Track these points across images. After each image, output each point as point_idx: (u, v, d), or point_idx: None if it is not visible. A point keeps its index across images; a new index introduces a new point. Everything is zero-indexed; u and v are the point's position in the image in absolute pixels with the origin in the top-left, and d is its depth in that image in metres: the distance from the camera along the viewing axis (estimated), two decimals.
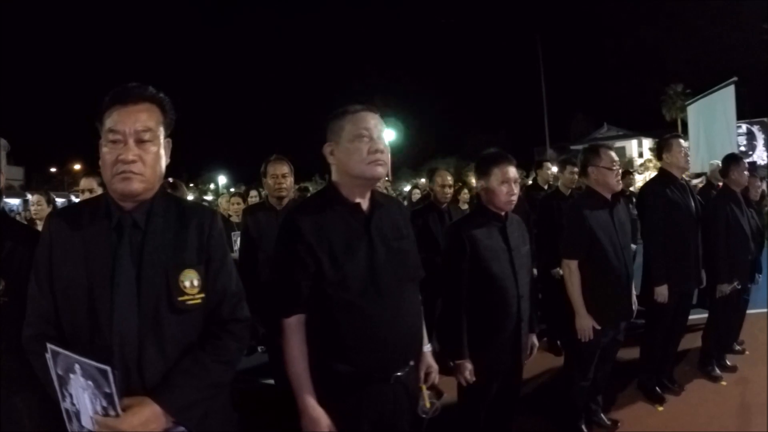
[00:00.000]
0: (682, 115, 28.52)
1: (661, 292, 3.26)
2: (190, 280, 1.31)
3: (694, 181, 13.04)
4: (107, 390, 1.15)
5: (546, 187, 5.38)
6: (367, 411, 1.56)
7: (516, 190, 2.35)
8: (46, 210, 3.97)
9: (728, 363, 3.91)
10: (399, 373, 1.59)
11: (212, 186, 56.65)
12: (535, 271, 4.62)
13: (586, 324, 2.74)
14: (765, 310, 4.96)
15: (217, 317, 1.38)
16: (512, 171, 2.35)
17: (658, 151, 3.50)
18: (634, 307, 2.91)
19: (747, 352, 4.21)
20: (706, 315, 4.00)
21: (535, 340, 2.55)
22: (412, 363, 1.66)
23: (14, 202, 20.40)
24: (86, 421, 1.21)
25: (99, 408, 1.18)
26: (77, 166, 52.06)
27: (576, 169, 5.60)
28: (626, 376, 3.68)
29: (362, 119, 1.59)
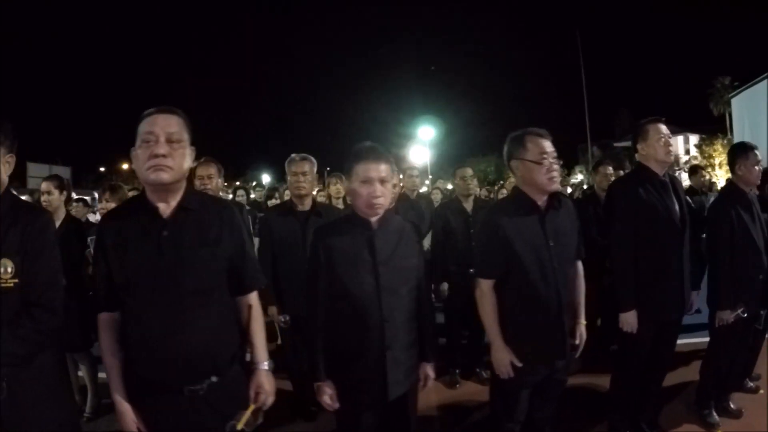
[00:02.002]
0: (730, 109, 26.67)
1: (627, 320, 2.60)
2: (4, 267, 1.56)
3: None
4: None
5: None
6: (162, 421, 1.57)
7: (381, 191, 1.86)
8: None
9: (732, 406, 3.14)
10: (196, 387, 1.56)
11: (254, 183, 57.74)
12: None
13: (502, 358, 2.13)
14: None
15: (25, 300, 1.58)
16: (377, 169, 1.86)
17: (633, 141, 2.79)
18: (578, 341, 2.26)
19: (761, 391, 3.42)
20: None
21: (429, 371, 2.07)
22: (215, 379, 1.60)
23: None
24: None
25: None
26: (125, 166, 55.00)
27: (611, 170, 4.97)
28: (594, 415, 3.03)
29: (149, 123, 1.57)
